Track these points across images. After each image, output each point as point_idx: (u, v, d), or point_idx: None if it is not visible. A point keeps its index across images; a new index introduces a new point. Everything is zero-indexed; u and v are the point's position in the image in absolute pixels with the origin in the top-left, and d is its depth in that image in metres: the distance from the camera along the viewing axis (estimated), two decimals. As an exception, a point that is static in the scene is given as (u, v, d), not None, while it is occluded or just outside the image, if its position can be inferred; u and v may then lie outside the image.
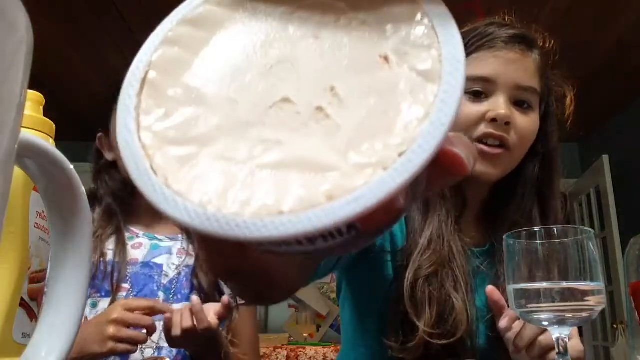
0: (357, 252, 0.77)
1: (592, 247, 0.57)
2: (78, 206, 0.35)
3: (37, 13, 2.87)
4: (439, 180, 0.24)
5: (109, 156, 1.09)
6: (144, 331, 0.83)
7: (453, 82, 0.22)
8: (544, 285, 0.56)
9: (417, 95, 0.23)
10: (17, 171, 0.35)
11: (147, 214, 1.08)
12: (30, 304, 0.42)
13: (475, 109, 0.78)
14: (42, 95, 0.50)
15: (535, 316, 0.57)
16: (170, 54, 0.26)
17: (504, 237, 0.60)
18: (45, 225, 0.44)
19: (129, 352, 0.81)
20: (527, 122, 0.79)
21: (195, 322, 0.80)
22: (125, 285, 0.97)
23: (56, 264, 0.36)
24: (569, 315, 0.55)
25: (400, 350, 0.75)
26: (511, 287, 0.58)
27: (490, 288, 0.71)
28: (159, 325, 0.94)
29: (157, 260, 1.03)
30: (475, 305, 0.79)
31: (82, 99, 3.61)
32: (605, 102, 3.60)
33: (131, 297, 0.96)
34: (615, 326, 3.36)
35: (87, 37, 2.91)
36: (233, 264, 0.30)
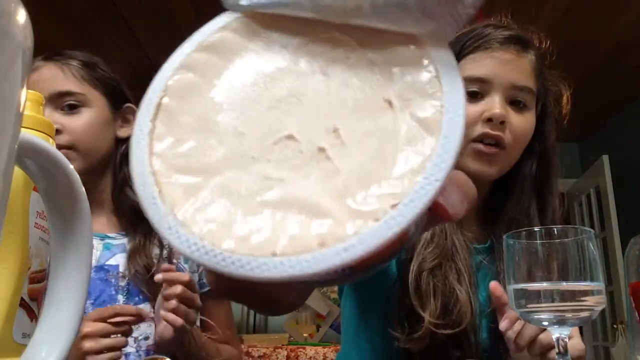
0: None
1: (592, 247, 0.57)
2: (78, 206, 0.35)
3: (37, 13, 2.86)
4: (428, 223, 0.26)
5: None
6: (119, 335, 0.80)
7: (452, 137, 0.23)
8: (544, 285, 0.56)
9: (416, 145, 0.23)
10: (17, 171, 0.35)
11: (93, 213, 0.98)
12: (30, 304, 0.42)
13: (471, 109, 0.79)
14: (42, 95, 0.50)
15: (535, 316, 0.57)
16: (185, 80, 0.27)
17: (504, 237, 0.60)
18: (45, 225, 0.44)
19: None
20: (522, 121, 0.80)
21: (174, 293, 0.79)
22: None
23: (56, 264, 0.36)
24: (569, 315, 0.55)
25: (407, 341, 0.76)
26: (511, 287, 0.58)
27: (494, 283, 0.71)
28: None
29: (112, 262, 0.94)
30: (478, 300, 0.80)
31: (82, 99, 3.61)
32: (605, 102, 3.60)
33: (88, 304, 0.89)
34: (615, 326, 3.36)
35: (87, 37, 2.91)
36: (234, 286, 0.31)
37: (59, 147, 0.90)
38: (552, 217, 0.84)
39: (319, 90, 0.25)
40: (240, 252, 0.22)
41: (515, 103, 0.80)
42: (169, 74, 0.27)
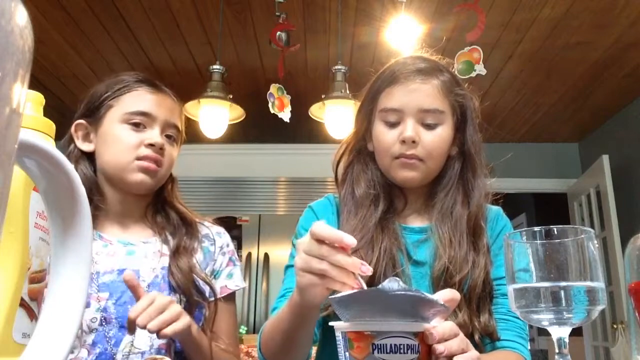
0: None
1: (592, 247, 0.57)
2: (78, 206, 0.35)
3: (37, 13, 2.85)
4: None
5: (83, 146, 1.05)
6: None
7: None
8: (544, 285, 0.56)
9: None
10: (17, 171, 0.35)
11: (117, 218, 1.07)
12: (30, 304, 0.42)
13: (391, 134, 0.99)
14: (42, 95, 0.50)
15: (535, 316, 0.57)
16: None
17: (504, 237, 0.61)
18: (45, 225, 0.44)
19: None
20: (433, 137, 0.98)
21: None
22: (103, 295, 0.96)
23: (56, 264, 0.36)
24: (569, 315, 0.55)
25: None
26: (511, 287, 0.58)
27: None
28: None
29: (134, 267, 1.01)
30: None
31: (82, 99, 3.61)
32: (605, 102, 3.60)
33: (110, 304, 0.96)
34: (615, 326, 3.36)
35: (87, 37, 2.91)
36: None
37: (157, 162, 1.03)
38: (477, 204, 0.99)
39: None
40: None
41: (426, 123, 0.98)
42: None
